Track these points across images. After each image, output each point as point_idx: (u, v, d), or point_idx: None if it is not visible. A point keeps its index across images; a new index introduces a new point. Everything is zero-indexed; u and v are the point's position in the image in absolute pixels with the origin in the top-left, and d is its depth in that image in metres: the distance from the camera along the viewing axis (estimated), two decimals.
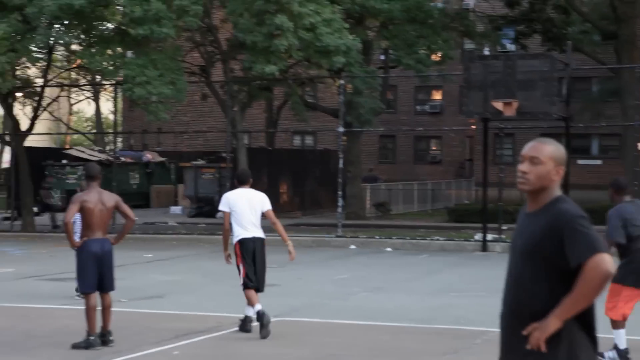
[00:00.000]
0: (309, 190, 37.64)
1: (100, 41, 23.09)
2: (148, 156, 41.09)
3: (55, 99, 32.52)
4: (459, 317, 11.94)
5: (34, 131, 27.99)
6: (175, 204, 39.55)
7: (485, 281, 15.80)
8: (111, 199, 10.03)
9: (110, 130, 76.88)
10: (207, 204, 35.15)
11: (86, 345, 9.81)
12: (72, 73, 47.83)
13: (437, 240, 22.49)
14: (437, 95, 51.13)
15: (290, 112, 42.55)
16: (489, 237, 21.48)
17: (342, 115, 23.63)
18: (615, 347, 9.10)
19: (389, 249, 22.19)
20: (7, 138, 31.14)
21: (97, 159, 37.94)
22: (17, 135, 26.30)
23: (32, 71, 33.86)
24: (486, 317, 11.45)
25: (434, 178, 44.77)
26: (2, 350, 9.81)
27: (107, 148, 49.37)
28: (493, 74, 18.98)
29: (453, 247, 21.92)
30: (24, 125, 27.81)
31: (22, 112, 35.70)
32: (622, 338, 9.10)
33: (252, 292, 10.90)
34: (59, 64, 40.25)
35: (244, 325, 10.85)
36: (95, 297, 9.98)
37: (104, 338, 9.95)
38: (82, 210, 9.87)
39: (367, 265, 18.90)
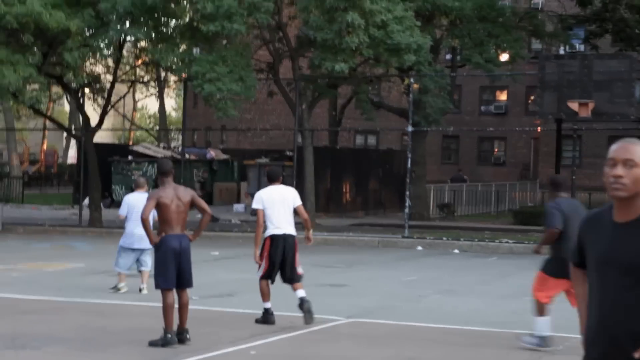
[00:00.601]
0: (372, 190, 37.43)
1: (170, 37, 23.16)
2: (212, 153, 41.25)
3: (124, 96, 32.73)
4: None
5: (101, 127, 28.21)
6: (238, 201, 39.63)
7: None
8: (187, 194, 9.93)
9: (175, 127, 77.50)
10: None
11: (163, 342, 9.76)
12: (137, 69, 48.19)
13: (507, 243, 22.13)
14: (502, 96, 50.56)
15: (353, 112, 42.36)
16: None
17: (411, 114, 23.34)
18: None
19: (456, 251, 21.90)
20: (74, 133, 31.35)
21: (162, 155, 38.21)
22: (88, 130, 26.54)
23: (98, 68, 34.13)
24: (565, 322, 11.15)
25: (497, 179, 44.23)
26: (79, 347, 9.80)
27: (172, 145, 49.64)
28: (568, 74, 18.61)
29: (522, 250, 21.53)
30: (92, 121, 28.04)
31: (92, 109, 36.12)
32: (546, 326, 9.91)
33: (266, 287, 11.23)
34: (124, 61, 40.56)
35: (264, 318, 11.23)
36: (173, 294, 9.91)
37: (181, 336, 9.88)
38: (159, 206, 9.76)
39: (435, 267, 18.65)
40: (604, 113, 18.78)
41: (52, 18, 21.73)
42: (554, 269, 9.60)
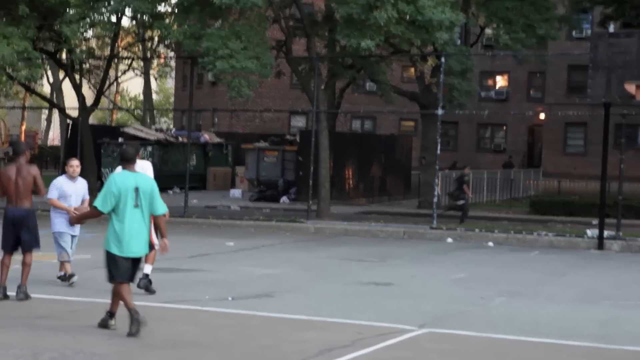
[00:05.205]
0: (375, 177, 35.80)
1: (180, 11, 21.34)
2: (206, 137, 39.42)
3: (125, 72, 30.94)
4: None
5: (97, 107, 26.40)
6: (232, 186, 37.92)
7: (631, 286, 13.94)
8: (30, 173, 11.31)
9: (172, 108, 75.58)
10: (269, 187, 33.45)
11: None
12: (120, 48, 46.17)
13: (546, 235, 20.50)
14: (503, 82, 49.14)
15: (349, 95, 40.59)
16: (605, 233, 19.51)
17: (441, 97, 21.57)
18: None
19: (490, 244, 20.31)
20: (68, 113, 29.33)
21: (154, 138, 36.37)
22: (85, 110, 24.68)
23: (93, 44, 32.20)
24: None
25: (496, 167, 42.81)
26: None
27: (165, 127, 47.79)
28: (624, 54, 17.03)
29: (564, 244, 19.96)
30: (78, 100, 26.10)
31: (89, 87, 34.24)
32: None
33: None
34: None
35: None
36: (9, 257, 11.63)
37: (18, 289, 11.45)
38: (1, 182, 11.34)
39: (477, 263, 17.04)
40: None
41: None
42: None
